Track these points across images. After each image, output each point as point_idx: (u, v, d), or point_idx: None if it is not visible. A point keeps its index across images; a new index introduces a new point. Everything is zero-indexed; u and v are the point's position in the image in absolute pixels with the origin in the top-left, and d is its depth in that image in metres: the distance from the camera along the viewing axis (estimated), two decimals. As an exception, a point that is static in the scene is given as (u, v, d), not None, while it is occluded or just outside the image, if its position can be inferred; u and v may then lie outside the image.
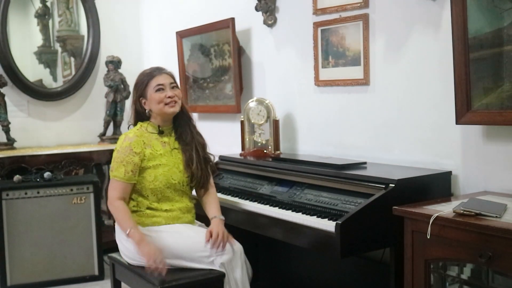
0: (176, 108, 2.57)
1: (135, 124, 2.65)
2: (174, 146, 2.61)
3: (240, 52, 3.66)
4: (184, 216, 2.57)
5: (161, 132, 2.60)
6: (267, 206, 2.59)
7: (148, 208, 2.51)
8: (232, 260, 2.38)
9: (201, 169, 2.58)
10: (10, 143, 4.11)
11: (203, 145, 2.66)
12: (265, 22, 3.44)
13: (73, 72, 4.58)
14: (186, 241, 2.41)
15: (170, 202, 2.54)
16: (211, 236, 2.38)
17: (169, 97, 2.53)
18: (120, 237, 2.55)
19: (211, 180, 2.68)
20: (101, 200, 3.93)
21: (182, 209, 2.56)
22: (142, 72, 2.65)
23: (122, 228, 2.45)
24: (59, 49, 4.59)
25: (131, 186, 2.50)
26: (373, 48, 2.79)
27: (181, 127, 2.64)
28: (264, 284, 3.29)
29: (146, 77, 2.58)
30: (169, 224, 2.50)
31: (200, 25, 3.87)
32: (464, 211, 1.90)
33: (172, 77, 2.62)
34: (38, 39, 4.51)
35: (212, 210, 2.58)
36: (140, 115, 2.63)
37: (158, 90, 2.54)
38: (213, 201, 2.63)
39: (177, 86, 2.61)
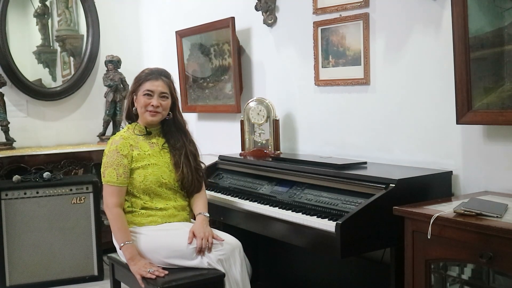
0: (156, 118, 2.55)
1: (126, 118, 2.67)
2: (163, 146, 2.61)
3: (240, 52, 3.65)
4: (180, 214, 2.56)
5: (148, 133, 2.60)
6: (267, 206, 2.59)
7: (143, 208, 2.51)
8: (230, 257, 2.36)
9: (191, 175, 2.58)
10: (9, 143, 4.11)
11: (194, 155, 2.64)
12: (265, 22, 3.44)
13: (73, 72, 4.57)
14: (184, 238, 2.39)
15: (163, 200, 2.54)
16: (194, 236, 2.38)
17: (152, 105, 2.52)
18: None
19: (203, 184, 2.68)
20: (101, 200, 3.92)
21: (177, 207, 2.56)
22: (145, 69, 2.65)
23: (117, 239, 2.46)
24: (59, 49, 4.58)
25: (125, 189, 2.50)
26: (374, 48, 2.78)
27: (170, 133, 2.63)
28: (264, 284, 3.28)
29: (143, 76, 2.58)
30: (166, 222, 2.49)
31: (200, 24, 3.87)
32: (465, 211, 1.89)
33: (168, 85, 2.58)
34: (37, 39, 4.49)
35: (199, 206, 2.59)
36: (129, 112, 2.64)
37: (146, 94, 2.54)
38: (200, 199, 2.62)
39: (167, 97, 2.56)
